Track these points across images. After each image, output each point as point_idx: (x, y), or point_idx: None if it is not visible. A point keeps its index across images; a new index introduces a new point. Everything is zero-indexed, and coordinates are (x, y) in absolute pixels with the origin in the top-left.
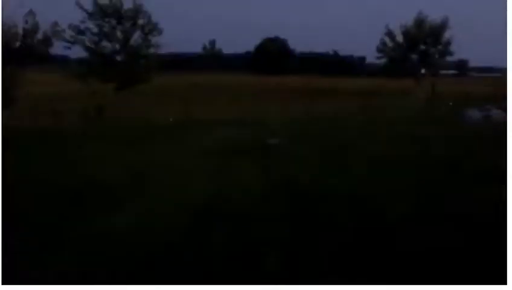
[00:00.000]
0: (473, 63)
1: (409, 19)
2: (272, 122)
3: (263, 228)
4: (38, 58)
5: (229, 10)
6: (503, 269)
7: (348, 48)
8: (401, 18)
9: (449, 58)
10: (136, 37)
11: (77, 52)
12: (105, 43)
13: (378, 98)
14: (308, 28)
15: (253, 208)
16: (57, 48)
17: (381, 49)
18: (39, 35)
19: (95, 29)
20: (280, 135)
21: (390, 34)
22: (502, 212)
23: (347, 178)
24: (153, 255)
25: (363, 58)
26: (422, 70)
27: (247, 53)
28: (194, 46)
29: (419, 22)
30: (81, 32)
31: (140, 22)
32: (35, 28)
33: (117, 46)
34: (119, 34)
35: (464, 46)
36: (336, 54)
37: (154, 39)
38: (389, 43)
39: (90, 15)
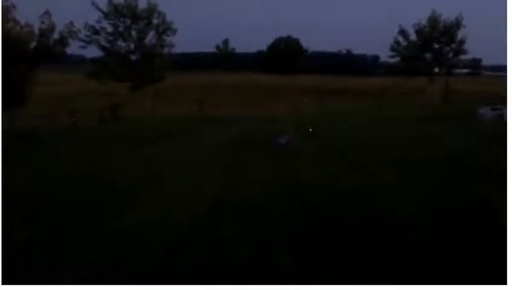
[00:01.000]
0: (487, 61)
1: (422, 18)
2: (282, 121)
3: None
4: (54, 58)
5: (242, 10)
6: None
7: (361, 46)
8: (414, 16)
9: (463, 57)
10: (151, 36)
11: (92, 52)
12: (120, 43)
13: (390, 97)
14: (321, 27)
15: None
16: (73, 48)
17: (395, 48)
18: (55, 35)
19: (110, 29)
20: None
21: (403, 32)
22: None
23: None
24: None
25: (376, 57)
26: (436, 69)
27: (260, 52)
28: (207, 45)
29: (433, 21)
30: (96, 32)
31: (155, 21)
32: (51, 28)
33: (132, 46)
34: (134, 33)
35: (477, 45)
36: (348, 52)
37: (168, 39)
38: (403, 42)
39: (106, 15)
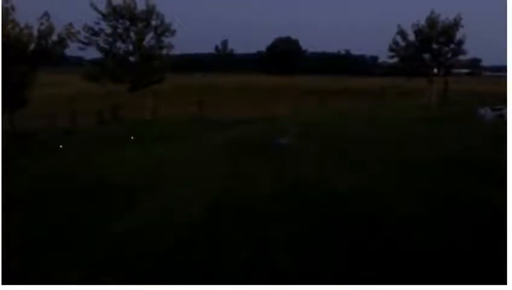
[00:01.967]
0: (487, 61)
1: (421, 18)
2: (282, 121)
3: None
4: (53, 60)
5: (241, 11)
6: None
7: (360, 47)
8: (414, 17)
9: (462, 57)
10: (149, 38)
11: (91, 53)
12: (119, 44)
13: (390, 98)
14: (320, 28)
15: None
16: (72, 49)
17: (394, 48)
18: (54, 37)
19: (109, 31)
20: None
21: (402, 33)
22: None
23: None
24: None
25: (375, 58)
26: (435, 70)
27: (259, 53)
28: (206, 46)
29: (432, 21)
30: (95, 33)
31: (154, 23)
32: (50, 30)
33: (130, 47)
34: (132, 35)
35: (477, 45)
36: (347, 53)
37: (167, 40)
38: (402, 43)
39: (104, 16)
